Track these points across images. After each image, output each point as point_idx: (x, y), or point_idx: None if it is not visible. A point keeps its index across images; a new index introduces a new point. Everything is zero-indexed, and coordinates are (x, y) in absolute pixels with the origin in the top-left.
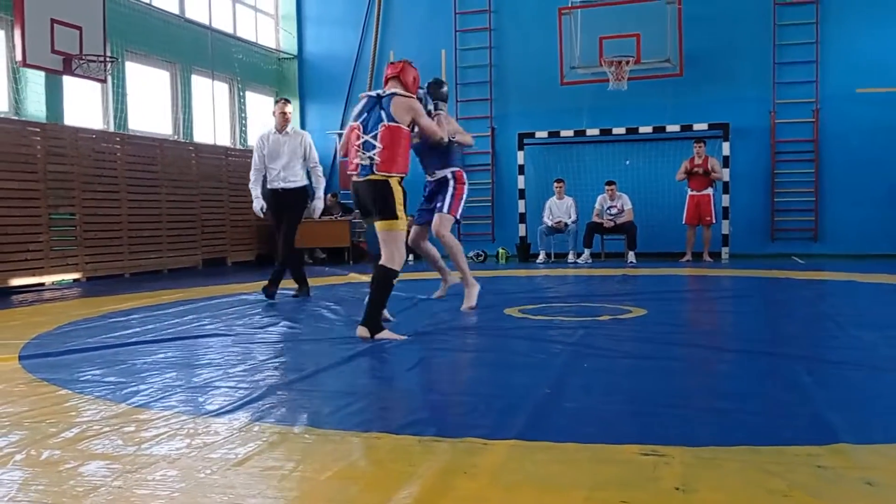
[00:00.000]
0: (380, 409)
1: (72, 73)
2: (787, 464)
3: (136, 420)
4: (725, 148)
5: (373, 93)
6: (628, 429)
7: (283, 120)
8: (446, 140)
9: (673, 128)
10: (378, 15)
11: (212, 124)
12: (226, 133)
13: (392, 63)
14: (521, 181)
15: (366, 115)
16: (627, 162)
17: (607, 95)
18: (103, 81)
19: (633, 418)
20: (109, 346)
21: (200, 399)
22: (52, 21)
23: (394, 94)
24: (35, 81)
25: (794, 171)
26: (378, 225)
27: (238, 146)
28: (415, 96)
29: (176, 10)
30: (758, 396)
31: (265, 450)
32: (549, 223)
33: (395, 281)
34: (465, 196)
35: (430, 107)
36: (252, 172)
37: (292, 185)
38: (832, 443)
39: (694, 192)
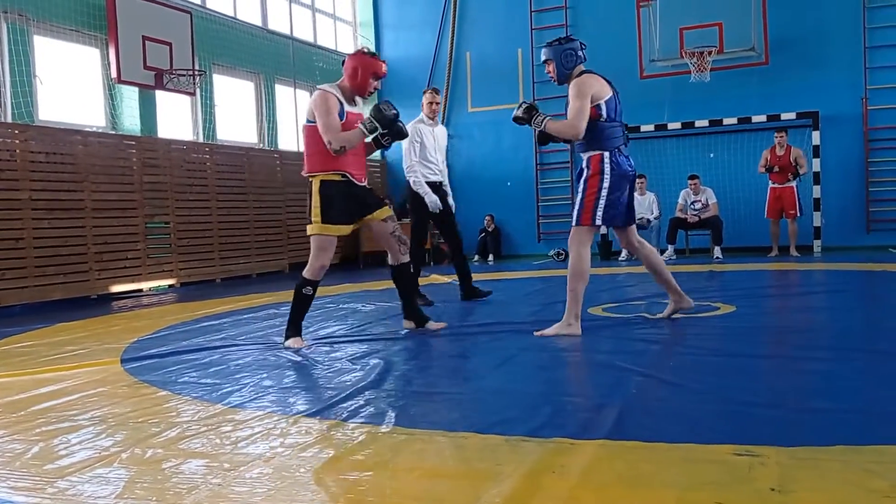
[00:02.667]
0: (465, 408)
1: (163, 88)
2: (889, 463)
3: (232, 420)
4: (815, 137)
5: None
6: (720, 428)
7: (433, 110)
8: (334, 146)
9: (759, 118)
10: (454, 17)
11: (295, 131)
12: None
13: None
14: None
15: None
16: (711, 155)
17: (689, 87)
18: (192, 94)
19: (725, 418)
20: (204, 349)
21: (291, 399)
22: (144, 38)
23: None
24: (129, 97)
25: (890, 160)
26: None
27: None
28: (331, 91)
29: (259, 23)
30: (856, 394)
31: (355, 449)
32: None
33: (306, 290)
34: (603, 190)
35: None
36: (416, 166)
37: (444, 180)
38: None
39: (775, 185)
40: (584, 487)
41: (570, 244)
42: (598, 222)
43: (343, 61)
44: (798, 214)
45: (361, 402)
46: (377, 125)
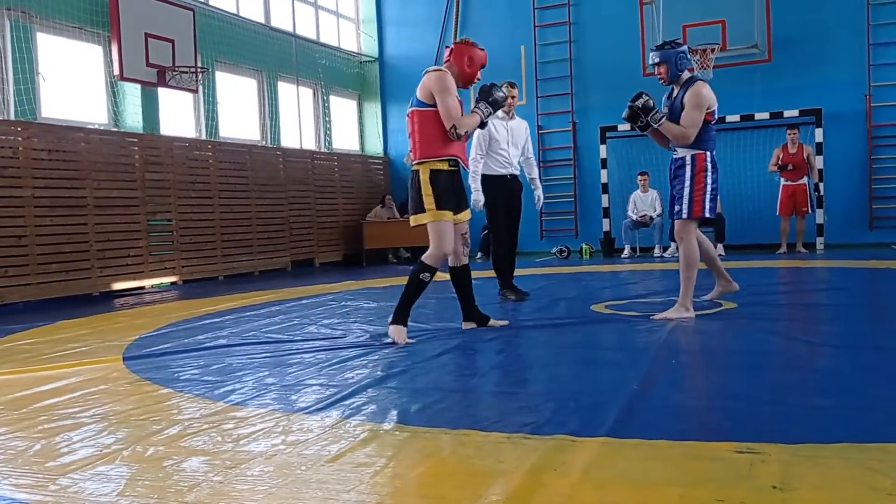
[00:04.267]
0: (468, 405)
1: (166, 85)
2: (892, 461)
3: (234, 418)
4: (818, 134)
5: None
6: (722, 425)
7: (510, 104)
8: (461, 133)
9: (762, 115)
10: (457, 14)
11: (297, 129)
12: (311, 137)
13: (447, 46)
14: (603, 175)
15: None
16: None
17: None
18: (195, 91)
19: (727, 415)
20: (206, 347)
21: (293, 397)
22: (147, 35)
23: (426, 71)
24: (132, 94)
25: (894, 156)
26: (411, 219)
27: (323, 150)
28: (448, 71)
29: (262, 20)
30: (860, 392)
31: (357, 446)
32: (634, 217)
33: (424, 276)
34: (708, 185)
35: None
36: (474, 162)
37: (517, 173)
38: None
39: (788, 182)
40: (586, 485)
41: (681, 235)
42: (706, 213)
43: (451, 48)
44: (809, 212)
45: (364, 400)
46: (491, 109)
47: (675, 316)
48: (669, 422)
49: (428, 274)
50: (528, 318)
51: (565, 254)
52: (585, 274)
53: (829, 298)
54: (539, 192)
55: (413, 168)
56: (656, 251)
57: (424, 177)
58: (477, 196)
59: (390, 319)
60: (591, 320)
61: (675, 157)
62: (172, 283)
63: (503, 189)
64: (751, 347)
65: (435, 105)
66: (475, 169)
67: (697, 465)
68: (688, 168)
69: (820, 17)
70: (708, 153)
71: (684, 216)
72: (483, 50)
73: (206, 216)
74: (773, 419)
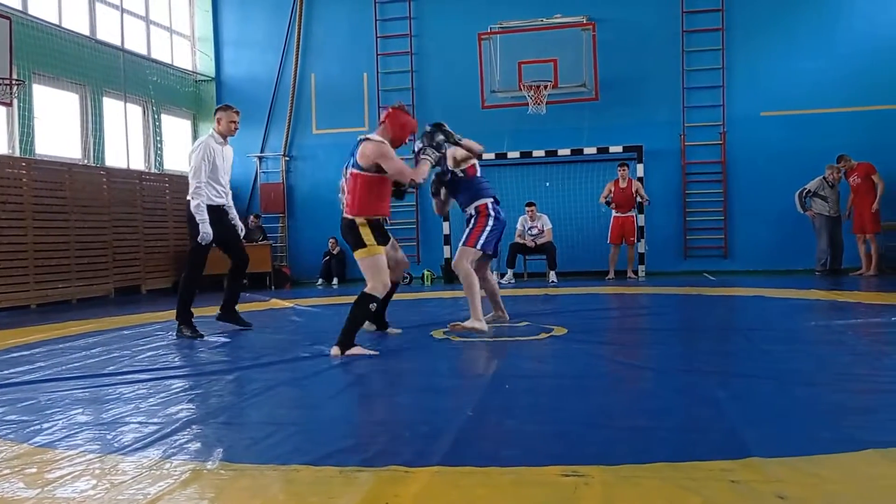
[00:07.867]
0: (299, 439)
1: None
2: (702, 479)
3: (40, 461)
4: (640, 169)
5: (361, 136)
6: (550, 450)
7: (235, 129)
8: (418, 181)
9: (590, 150)
10: (298, 38)
11: (125, 148)
12: (139, 157)
13: (384, 108)
14: None
15: (349, 158)
16: (547, 184)
17: (527, 119)
18: (9, 105)
19: (555, 439)
20: (12, 383)
21: (109, 437)
22: None
23: (363, 139)
24: None
25: (704, 192)
26: (355, 255)
27: (153, 170)
28: (385, 141)
29: (86, 32)
30: (675, 413)
31: (177, 488)
32: None
33: (373, 306)
34: (487, 227)
35: (420, 146)
36: (203, 188)
37: (228, 203)
38: (745, 457)
39: (619, 214)
40: None
41: (458, 260)
42: (479, 247)
43: (388, 112)
44: (636, 241)
45: (188, 437)
46: (437, 153)
47: (469, 326)
48: (501, 448)
49: (375, 303)
50: (367, 345)
51: (407, 280)
52: (426, 300)
53: (649, 323)
54: (237, 221)
55: (350, 217)
56: (494, 276)
57: (362, 226)
58: (205, 227)
59: (337, 350)
60: (428, 346)
61: (466, 216)
62: None
63: (219, 221)
64: (579, 371)
65: (373, 171)
66: (200, 201)
67: (525, 491)
68: (474, 216)
69: (641, 61)
70: (488, 201)
71: (461, 245)
72: (414, 119)
73: (18, 239)
74: (598, 442)
